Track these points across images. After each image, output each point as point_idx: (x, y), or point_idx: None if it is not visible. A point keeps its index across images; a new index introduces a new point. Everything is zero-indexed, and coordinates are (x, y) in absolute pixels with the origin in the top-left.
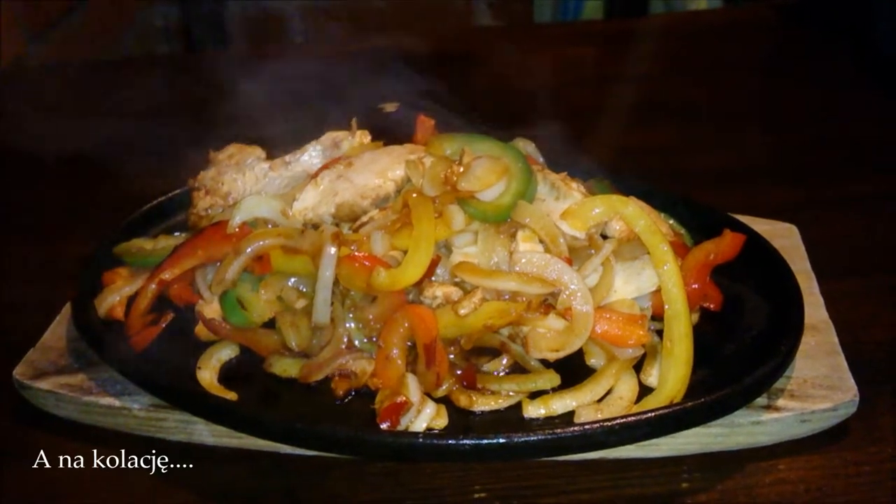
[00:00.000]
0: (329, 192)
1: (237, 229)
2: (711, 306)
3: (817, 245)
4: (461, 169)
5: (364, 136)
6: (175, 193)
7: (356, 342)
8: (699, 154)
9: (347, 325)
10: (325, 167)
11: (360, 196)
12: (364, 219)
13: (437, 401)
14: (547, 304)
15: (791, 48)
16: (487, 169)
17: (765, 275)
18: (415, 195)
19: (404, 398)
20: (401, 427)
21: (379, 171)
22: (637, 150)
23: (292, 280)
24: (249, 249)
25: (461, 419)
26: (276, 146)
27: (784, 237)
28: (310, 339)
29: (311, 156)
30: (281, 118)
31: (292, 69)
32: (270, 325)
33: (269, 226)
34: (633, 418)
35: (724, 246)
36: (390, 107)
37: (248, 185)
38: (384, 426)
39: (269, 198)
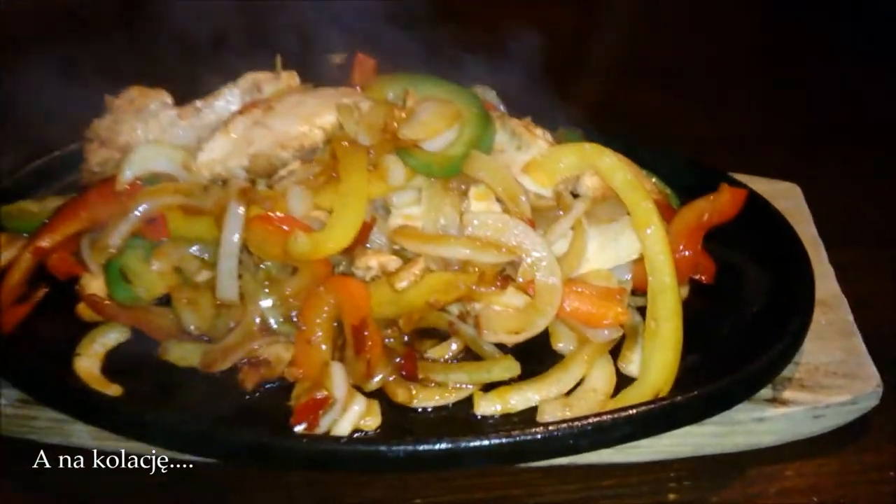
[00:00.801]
0: (243, 142)
1: (128, 186)
2: (703, 278)
3: (821, 208)
4: (404, 114)
5: (291, 79)
6: (71, 148)
7: (271, 323)
8: (685, 117)
9: (261, 302)
10: (239, 112)
11: (279, 146)
12: (282, 173)
13: (370, 395)
14: (504, 276)
15: (783, 12)
16: (435, 114)
17: (766, 241)
18: (345, 143)
19: (326, 393)
20: (321, 429)
21: (305, 116)
22: (618, 112)
23: (195, 248)
24: (140, 209)
25: (398, 418)
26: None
27: (785, 198)
28: (213, 319)
29: (227, 101)
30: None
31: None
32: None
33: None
34: (609, 416)
35: (722, 204)
36: (338, 58)
37: (152, 135)
38: (299, 428)
39: (167, 147)
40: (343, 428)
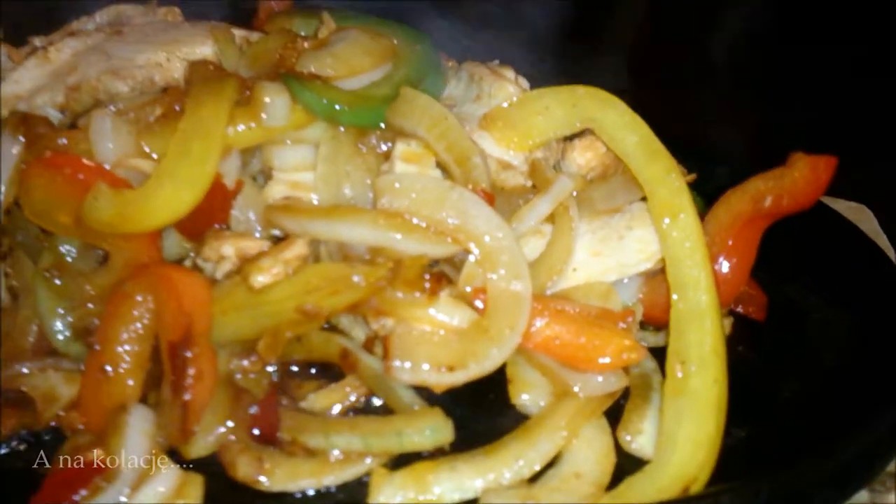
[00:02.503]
0: (64, 69)
1: None
2: (751, 312)
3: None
4: (307, 45)
5: (171, 16)
6: None
7: (57, 338)
8: (700, 123)
9: (42, 304)
10: (69, 33)
11: (111, 74)
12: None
13: (193, 466)
14: (437, 275)
15: None
16: (357, 45)
17: (839, 270)
18: (210, 67)
19: (101, 455)
20: None
21: (164, 43)
22: None
23: None
24: None
25: None
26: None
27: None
28: None
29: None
30: None
31: None
32: None
33: None
34: None
35: (795, 182)
36: None
37: None
38: None
39: None
40: None
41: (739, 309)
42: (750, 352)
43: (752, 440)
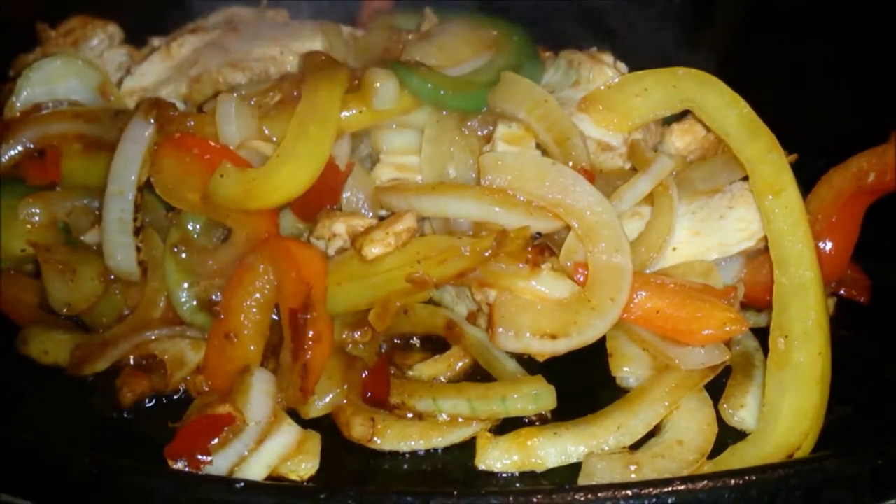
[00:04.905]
0: (186, 64)
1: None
2: (854, 295)
3: None
4: (411, 37)
5: (280, 16)
6: None
7: (183, 309)
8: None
9: (170, 277)
10: (190, 31)
11: (231, 66)
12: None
13: (311, 426)
14: (539, 247)
15: None
16: (459, 37)
17: None
18: (324, 58)
19: (229, 409)
20: (218, 468)
21: (278, 38)
22: None
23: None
24: (23, 139)
25: (352, 465)
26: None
27: None
28: (95, 295)
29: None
30: None
31: None
32: None
33: None
34: (706, 483)
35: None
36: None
37: None
38: (177, 465)
39: (79, 63)
40: (255, 469)
41: (843, 292)
42: (853, 334)
43: (856, 417)
